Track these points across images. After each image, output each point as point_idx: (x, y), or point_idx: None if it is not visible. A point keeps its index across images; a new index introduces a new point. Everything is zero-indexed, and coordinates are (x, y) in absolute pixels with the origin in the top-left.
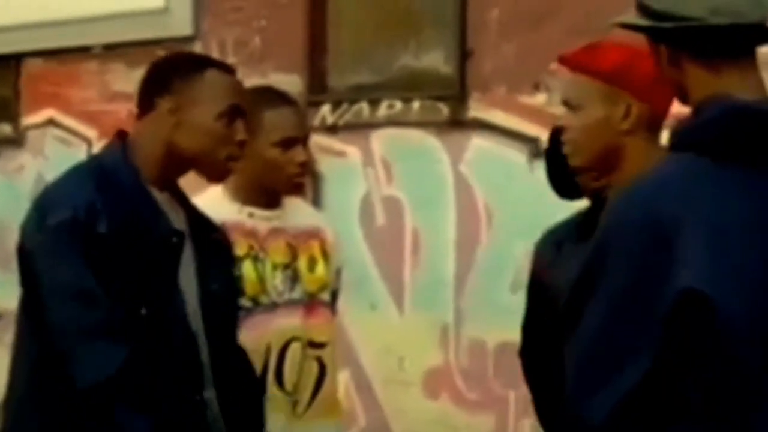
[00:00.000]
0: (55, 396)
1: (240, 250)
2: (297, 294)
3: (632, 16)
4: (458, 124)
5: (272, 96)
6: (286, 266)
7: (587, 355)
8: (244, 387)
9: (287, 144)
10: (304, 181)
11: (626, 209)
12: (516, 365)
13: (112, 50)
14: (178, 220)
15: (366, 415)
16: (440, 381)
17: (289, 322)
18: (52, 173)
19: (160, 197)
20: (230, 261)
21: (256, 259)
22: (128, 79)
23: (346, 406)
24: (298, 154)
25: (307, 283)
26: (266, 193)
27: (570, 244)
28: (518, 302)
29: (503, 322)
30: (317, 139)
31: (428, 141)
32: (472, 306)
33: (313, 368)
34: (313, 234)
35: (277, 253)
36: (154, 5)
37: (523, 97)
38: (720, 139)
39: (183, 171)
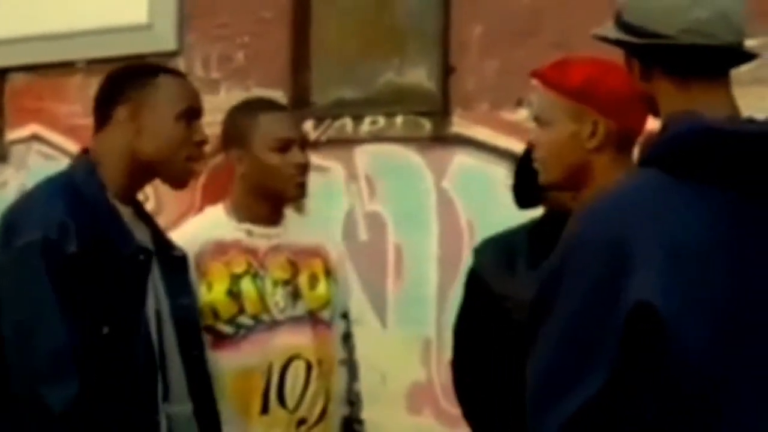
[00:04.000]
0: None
1: (238, 267)
2: (299, 311)
3: (610, 28)
4: (441, 140)
5: (263, 103)
6: (286, 282)
7: (544, 373)
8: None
9: (285, 147)
10: (305, 182)
11: (584, 228)
12: None
13: (96, 65)
14: (143, 237)
15: None
16: (423, 396)
17: (291, 339)
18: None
19: (126, 212)
20: (190, 275)
21: (255, 276)
22: None
23: None
24: (296, 156)
25: (308, 301)
26: (268, 206)
27: (524, 258)
28: None
29: None
30: None
31: (411, 157)
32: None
33: (320, 387)
34: (315, 252)
35: (277, 270)
36: (138, 20)
37: (506, 114)
38: (683, 156)
39: (147, 179)
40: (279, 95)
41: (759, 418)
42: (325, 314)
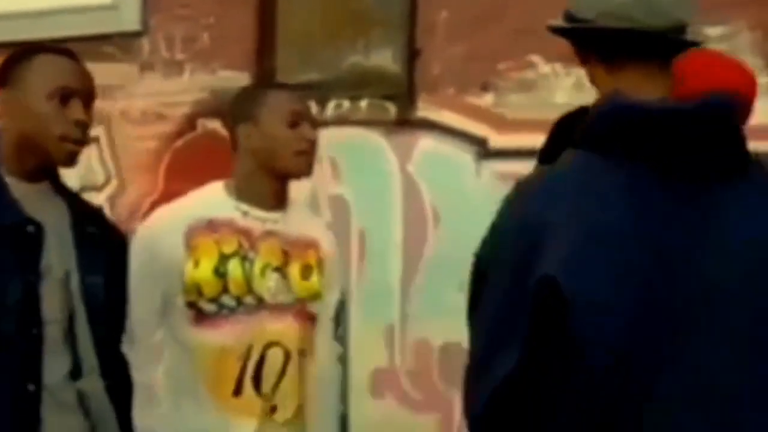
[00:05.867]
0: None
1: (227, 247)
2: (287, 299)
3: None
4: (406, 123)
5: (272, 83)
6: (276, 269)
7: (473, 354)
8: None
9: (296, 121)
10: (313, 160)
11: (510, 210)
12: (460, 365)
13: (61, 44)
14: (52, 212)
15: None
16: (386, 381)
17: (273, 325)
18: None
19: (30, 188)
20: (119, 255)
21: (244, 259)
22: None
23: None
24: (307, 131)
25: (299, 290)
26: (271, 185)
27: None
28: (463, 302)
29: (449, 322)
30: None
31: (376, 140)
32: (418, 306)
33: (297, 378)
34: (310, 245)
35: (269, 255)
36: (102, 1)
37: (471, 98)
38: (604, 134)
39: (37, 157)
40: (244, 77)
41: (678, 393)
42: (313, 307)
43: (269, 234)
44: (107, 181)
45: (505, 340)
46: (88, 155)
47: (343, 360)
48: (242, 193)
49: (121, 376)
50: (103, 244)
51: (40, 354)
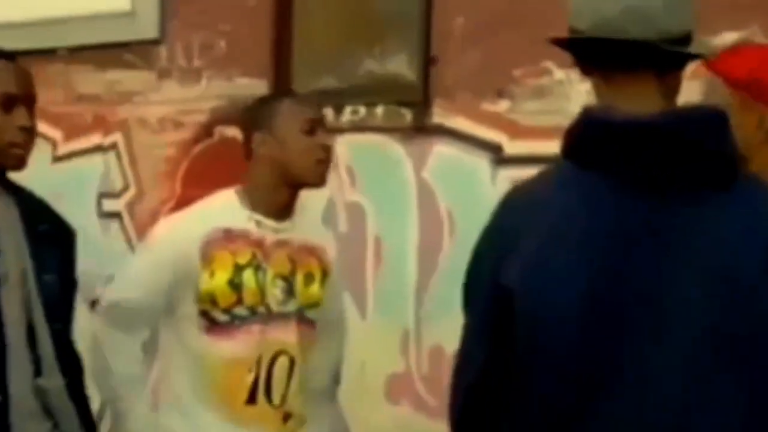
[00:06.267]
0: None
1: (242, 258)
2: (291, 307)
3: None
4: (421, 130)
5: (287, 92)
6: (284, 278)
7: (457, 355)
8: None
9: (311, 128)
10: (328, 169)
11: (492, 217)
12: None
13: (78, 52)
14: (4, 213)
15: None
16: (402, 387)
17: (280, 334)
18: (17, 175)
19: None
20: (69, 249)
21: (258, 269)
22: (94, 81)
23: None
24: (322, 138)
25: (300, 298)
26: (284, 194)
27: None
28: None
29: None
30: None
31: (392, 147)
32: (433, 312)
33: (301, 384)
34: (314, 251)
35: (278, 264)
36: (121, 8)
37: (487, 104)
38: (577, 147)
39: None
40: (261, 84)
41: (630, 401)
42: (312, 314)
43: (280, 244)
44: (125, 188)
45: (477, 341)
46: (107, 162)
47: (338, 372)
48: (256, 202)
49: (77, 371)
50: (54, 240)
51: (4, 361)
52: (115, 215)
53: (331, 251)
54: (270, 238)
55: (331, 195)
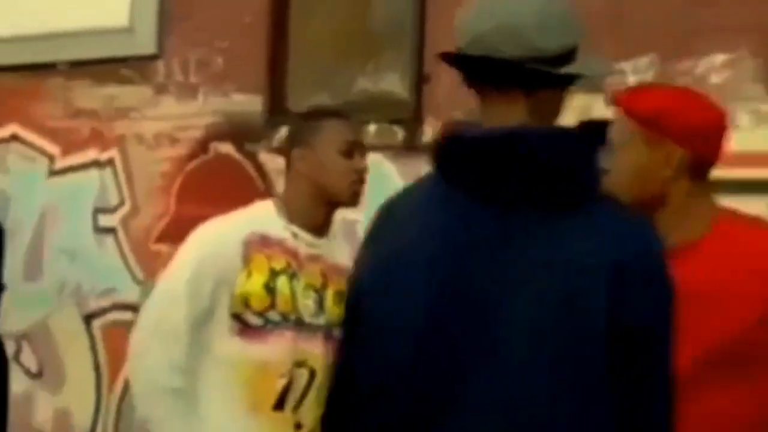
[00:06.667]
0: None
1: (277, 264)
2: (321, 321)
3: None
4: (413, 148)
5: (330, 111)
6: (316, 290)
7: None
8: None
9: (349, 151)
10: (361, 190)
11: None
12: None
13: (77, 67)
14: None
15: None
16: None
17: (306, 345)
18: (14, 189)
19: None
20: None
21: (292, 277)
22: (92, 96)
23: None
24: (359, 162)
25: (329, 314)
26: (320, 211)
27: None
28: None
29: None
30: (275, 160)
31: (384, 164)
32: None
33: (317, 396)
34: (344, 273)
35: (311, 276)
36: (119, 24)
37: None
38: (436, 160)
39: None
40: (257, 101)
41: (470, 412)
42: (338, 332)
43: (313, 258)
44: (121, 203)
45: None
46: (103, 177)
47: None
48: (292, 214)
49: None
50: None
51: None
52: (110, 230)
53: None
54: (304, 250)
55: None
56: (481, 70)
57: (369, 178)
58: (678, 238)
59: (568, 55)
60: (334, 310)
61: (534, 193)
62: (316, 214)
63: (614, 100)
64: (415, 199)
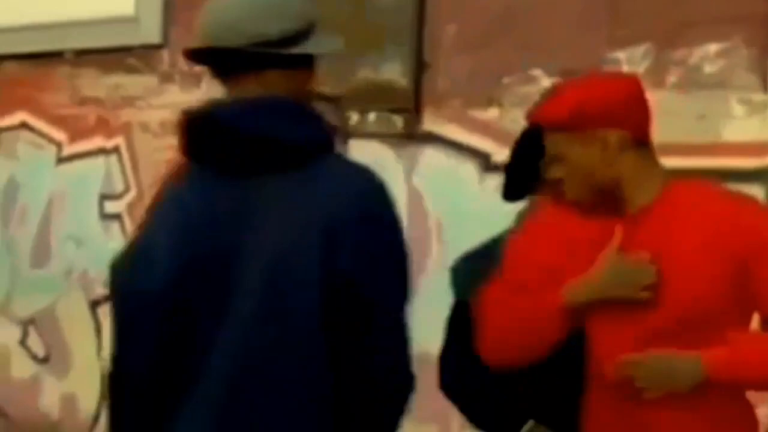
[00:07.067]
0: None
1: None
2: None
3: None
4: (412, 137)
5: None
6: None
7: None
8: None
9: None
10: None
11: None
12: None
13: (84, 56)
14: None
15: None
16: None
17: None
18: (23, 175)
19: None
20: None
21: None
22: (98, 84)
23: None
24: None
25: None
26: None
27: None
28: None
29: None
30: None
31: (383, 153)
32: (421, 317)
33: None
34: None
35: None
36: (125, 13)
37: (477, 112)
38: (181, 142)
39: None
40: None
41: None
42: None
43: None
44: (126, 190)
45: None
46: (109, 164)
47: None
48: None
49: None
50: None
51: None
52: (116, 217)
53: None
54: None
55: None
56: (212, 62)
57: (369, 165)
58: (633, 206)
59: (294, 38)
60: None
61: (247, 159)
62: None
63: (529, 120)
64: (179, 184)
